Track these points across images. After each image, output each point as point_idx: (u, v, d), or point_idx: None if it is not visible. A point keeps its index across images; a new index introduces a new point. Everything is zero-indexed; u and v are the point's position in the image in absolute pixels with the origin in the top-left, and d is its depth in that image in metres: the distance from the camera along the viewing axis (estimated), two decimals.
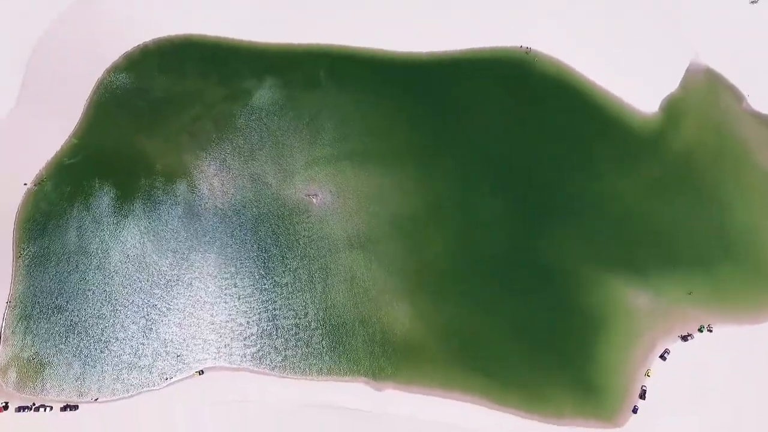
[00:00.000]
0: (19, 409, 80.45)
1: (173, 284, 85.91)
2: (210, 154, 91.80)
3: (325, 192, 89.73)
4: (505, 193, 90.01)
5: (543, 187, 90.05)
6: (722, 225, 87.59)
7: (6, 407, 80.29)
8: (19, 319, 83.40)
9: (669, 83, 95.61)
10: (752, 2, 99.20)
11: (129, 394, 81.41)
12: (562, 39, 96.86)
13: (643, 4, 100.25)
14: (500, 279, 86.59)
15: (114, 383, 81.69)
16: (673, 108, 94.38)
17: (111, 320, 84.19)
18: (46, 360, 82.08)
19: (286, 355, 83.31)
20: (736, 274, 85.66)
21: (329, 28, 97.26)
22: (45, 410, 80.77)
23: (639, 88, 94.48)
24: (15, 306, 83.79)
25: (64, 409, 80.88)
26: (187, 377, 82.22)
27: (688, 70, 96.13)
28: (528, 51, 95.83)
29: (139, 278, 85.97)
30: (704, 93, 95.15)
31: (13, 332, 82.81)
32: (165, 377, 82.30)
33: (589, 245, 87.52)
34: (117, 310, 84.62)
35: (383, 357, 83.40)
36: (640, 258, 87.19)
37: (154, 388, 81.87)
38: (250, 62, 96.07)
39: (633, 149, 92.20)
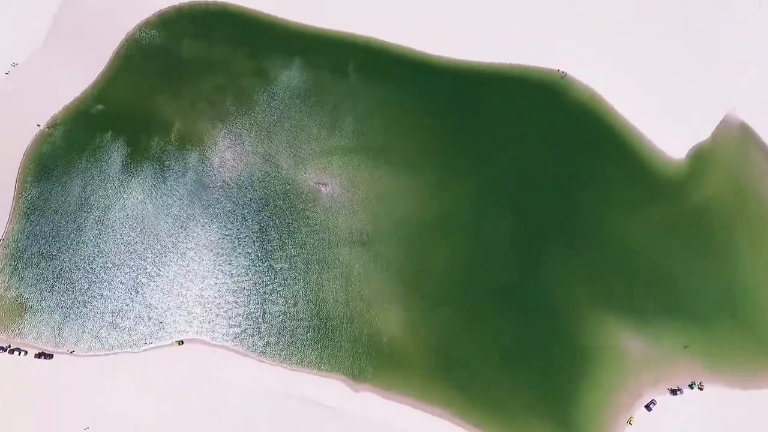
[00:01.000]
0: None
1: (167, 251, 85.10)
2: (226, 127, 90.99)
3: (336, 183, 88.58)
4: (516, 214, 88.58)
5: (554, 214, 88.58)
6: (729, 284, 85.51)
7: None
8: (9, 258, 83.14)
9: (701, 132, 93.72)
10: None
11: (105, 353, 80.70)
12: (599, 69, 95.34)
13: (687, 49, 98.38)
14: (496, 300, 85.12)
15: (92, 339, 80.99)
16: (700, 157, 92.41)
17: (99, 276, 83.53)
18: (29, 304, 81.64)
19: (268, 341, 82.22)
20: (736, 335, 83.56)
21: (367, 21, 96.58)
22: (19, 354, 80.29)
23: (669, 131, 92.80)
24: (7, 245, 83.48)
25: (38, 356, 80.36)
26: (166, 345, 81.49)
27: (722, 122, 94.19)
28: (563, 76, 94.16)
29: (134, 239, 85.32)
30: (734, 148, 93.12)
31: (0, 271, 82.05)
32: (144, 341, 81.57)
33: (591, 280, 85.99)
34: (107, 267, 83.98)
35: (365, 358, 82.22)
36: (641, 302, 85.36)
37: (131, 350, 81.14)
38: (282, 41, 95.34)
39: (652, 191, 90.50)
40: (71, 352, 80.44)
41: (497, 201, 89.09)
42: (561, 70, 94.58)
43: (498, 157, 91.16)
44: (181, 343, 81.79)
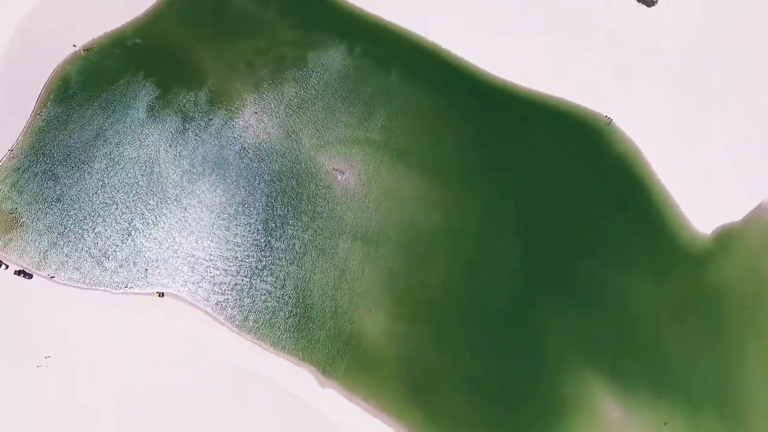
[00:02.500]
0: None
1: (169, 202, 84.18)
2: (259, 92, 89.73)
3: (352, 174, 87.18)
4: (523, 248, 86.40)
5: (563, 258, 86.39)
6: (727, 376, 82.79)
7: None
8: (14, 170, 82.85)
9: (733, 212, 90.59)
10: None
11: (84, 286, 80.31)
12: (647, 125, 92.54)
13: (742, 129, 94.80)
14: (482, 330, 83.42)
15: (74, 270, 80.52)
16: (726, 238, 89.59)
17: (97, 210, 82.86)
18: (22, 220, 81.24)
19: (248, 316, 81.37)
20: (718, 428, 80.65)
21: (423, 20, 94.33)
22: (0, 266, 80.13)
23: (702, 203, 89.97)
24: (15, 157, 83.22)
25: (18, 273, 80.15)
26: (145, 293, 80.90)
27: (758, 207, 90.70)
28: (609, 122, 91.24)
29: (140, 182, 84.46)
30: (763, 238, 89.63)
31: (2, 180, 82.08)
32: (125, 285, 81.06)
33: (583, 334, 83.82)
34: (106, 203, 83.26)
35: (340, 356, 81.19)
36: (630, 369, 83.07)
37: (111, 290, 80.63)
38: (336, 19, 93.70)
39: (668, 261, 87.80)
40: (51, 278, 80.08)
41: (508, 231, 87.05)
42: (608, 116, 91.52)
43: (520, 188, 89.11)
44: (161, 295, 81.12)
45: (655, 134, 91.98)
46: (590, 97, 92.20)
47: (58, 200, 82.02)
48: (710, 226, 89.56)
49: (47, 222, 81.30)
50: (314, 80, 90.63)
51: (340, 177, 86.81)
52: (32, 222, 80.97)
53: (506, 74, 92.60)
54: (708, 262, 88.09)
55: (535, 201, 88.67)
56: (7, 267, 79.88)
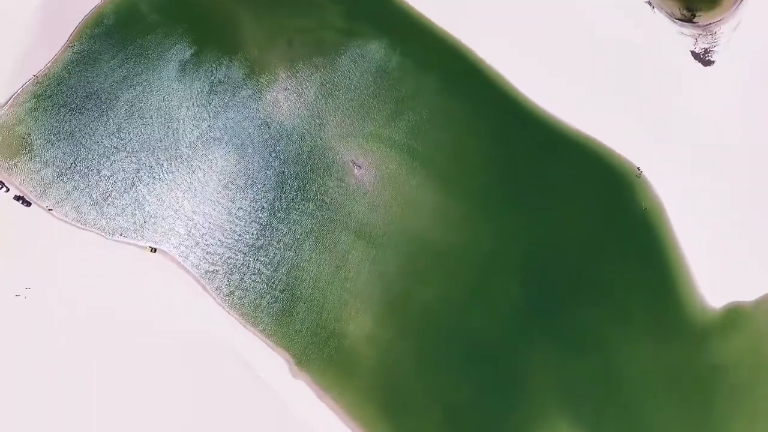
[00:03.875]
0: None
1: (180, 160, 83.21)
2: (293, 70, 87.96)
3: (370, 170, 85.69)
4: (527, 287, 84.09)
5: (564, 303, 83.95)
6: None
7: None
8: (35, 96, 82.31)
9: (747, 292, 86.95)
10: None
11: (79, 225, 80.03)
12: (680, 186, 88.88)
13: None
14: (468, 360, 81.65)
15: (72, 208, 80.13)
16: (734, 317, 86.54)
17: (106, 154, 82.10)
18: (32, 147, 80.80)
19: (234, 291, 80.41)
20: None
21: (476, 33, 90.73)
22: (1, 188, 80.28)
23: (716, 277, 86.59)
24: (39, 83, 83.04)
25: (18, 198, 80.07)
26: (138, 245, 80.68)
27: None
28: (639, 174, 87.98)
29: (155, 135, 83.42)
30: None
31: (21, 104, 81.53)
32: (120, 233, 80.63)
33: (570, 382, 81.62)
34: (117, 149, 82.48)
35: (318, 352, 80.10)
36: (607, 428, 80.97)
37: (104, 235, 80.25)
38: (390, 14, 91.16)
39: (670, 328, 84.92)
40: (49, 210, 79.81)
41: (513, 263, 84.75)
42: (639, 168, 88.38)
43: (535, 223, 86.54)
44: (153, 251, 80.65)
45: (684, 196, 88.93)
46: (626, 143, 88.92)
47: (71, 135, 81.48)
48: (720, 301, 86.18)
49: (56, 155, 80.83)
50: (350, 70, 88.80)
51: (356, 171, 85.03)
52: (42, 151, 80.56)
53: (548, 105, 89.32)
54: (710, 338, 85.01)
55: (547, 239, 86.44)
56: (8, 190, 79.80)
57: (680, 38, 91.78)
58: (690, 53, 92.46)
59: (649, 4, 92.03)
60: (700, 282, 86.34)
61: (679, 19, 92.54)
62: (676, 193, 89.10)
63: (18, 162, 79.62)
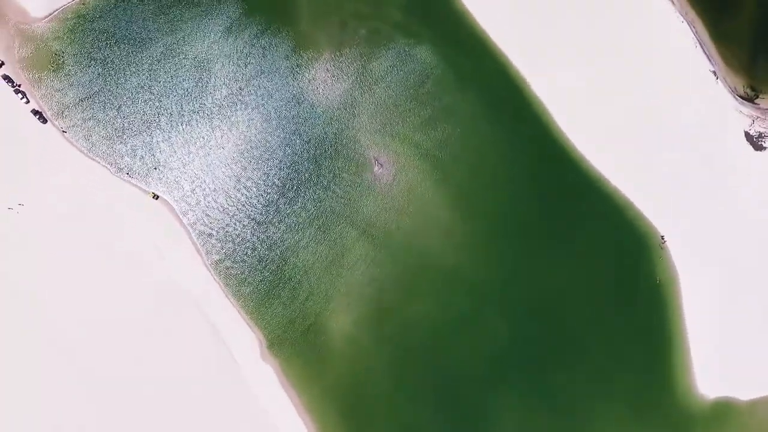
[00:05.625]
0: (6, 78, 78.63)
1: (203, 115, 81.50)
2: (338, 53, 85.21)
3: (390, 171, 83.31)
4: (518, 332, 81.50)
5: (551, 359, 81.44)
6: None
7: None
8: (77, 16, 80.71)
9: (743, 389, 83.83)
10: None
11: (88, 154, 79.06)
12: (699, 267, 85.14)
13: None
14: (440, 388, 79.36)
15: (85, 136, 79.29)
16: (723, 411, 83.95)
17: (132, 91, 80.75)
18: (63, 66, 79.63)
19: (224, 259, 79.26)
20: None
21: (534, 65, 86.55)
22: (22, 98, 78.90)
23: (715, 367, 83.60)
24: (84, 5, 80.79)
25: (35, 113, 78.98)
26: (141, 188, 79.47)
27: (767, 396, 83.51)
28: (662, 243, 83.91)
29: (184, 84, 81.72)
30: (761, 425, 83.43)
31: (62, 20, 79.89)
32: (127, 172, 79.62)
33: None
34: (142, 88, 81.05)
35: (292, 340, 78.49)
36: None
37: (111, 170, 79.28)
38: (451, 22, 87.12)
39: (654, 409, 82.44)
40: (63, 132, 79.08)
41: (512, 305, 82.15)
42: (664, 237, 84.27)
43: (542, 269, 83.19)
44: (156, 197, 79.44)
45: (702, 278, 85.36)
46: (657, 208, 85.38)
47: (103, 64, 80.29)
48: (714, 392, 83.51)
49: (83, 79, 79.71)
50: (395, 67, 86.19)
51: (376, 168, 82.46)
52: (70, 72, 79.51)
53: (589, 152, 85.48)
54: (693, 427, 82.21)
55: (550, 287, 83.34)
56: (27, 102, 78.78)
57: (737, 116, 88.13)
58: (743, 133, 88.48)
59: (714, 73, 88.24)
60: (697, 367, 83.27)
61: (740, 96, 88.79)
62: (695, 271, 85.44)
63: (44, 77, 78.58)
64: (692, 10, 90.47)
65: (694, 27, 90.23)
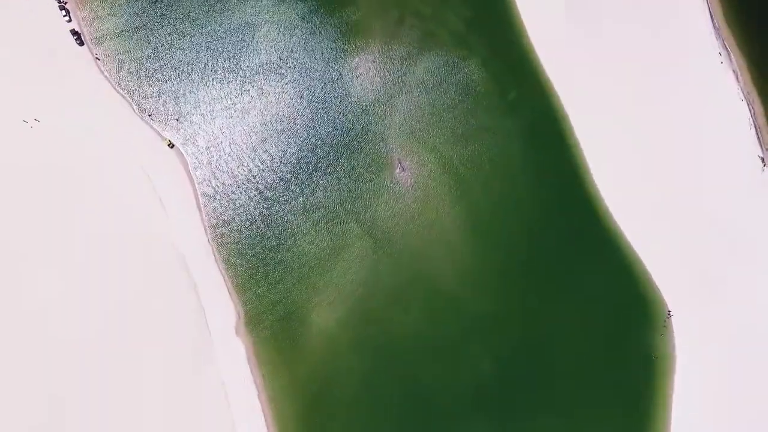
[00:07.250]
0: None
1: (234, 76, 79.71)
2: (388, 48, 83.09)
3: (412, 177, 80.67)
4: (500, 374, 78.64)
5: (522, 410, 78.61)
6: None
7: None
8: None
9: None
10: None
11: (116, 87, 77.53)
12: (703, 351, 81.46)
13: None
14: (406, 411, 76.74)
15: (116, 68, 78.00)
16: None
17: (173, 36, 79.23)
18: None
19: (219, 224, 77.14)
20: None
21: (581, 109, 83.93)
22: (65, 15, 77.41)
23: None
24: None
25: (74, 33, 77.56)
26: (160, 132, 77.76)
27: None
28: (668, 317, 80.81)
29: (224, 41, 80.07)
30: None
31: None
32: (149, 114, 77.98)
33: None
34: (183, 35, 79.61)
35: (270, 322, 76.00)
36: None
37: (134, 107, 77.78)
38: (509, 44, 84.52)
39: None
40: (96, 58, 77.64)
41: (499, 343, 79.14)
42: (671, 312, 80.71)
43: (540, 313, 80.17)
44: (171, 146, 77.70)
45: (703, 364, 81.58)
46: (670, 280, 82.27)
47: (154, 2, 78.94)
48: None
49: (128, 10, 78.44)
50: (441, 75, 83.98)
51: (397, 170, 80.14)
52: (117, 1, 78.17)
53: (617, 211, 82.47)
54: None
55: (543, 336, 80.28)
56: (69, 20, 77.37)
57: None
58: None
59: (762, 160, 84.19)
60: None
61: None
62: (696, 354, 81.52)
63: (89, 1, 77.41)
64: (754, 88, 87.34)
65: (752, 108, 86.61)
